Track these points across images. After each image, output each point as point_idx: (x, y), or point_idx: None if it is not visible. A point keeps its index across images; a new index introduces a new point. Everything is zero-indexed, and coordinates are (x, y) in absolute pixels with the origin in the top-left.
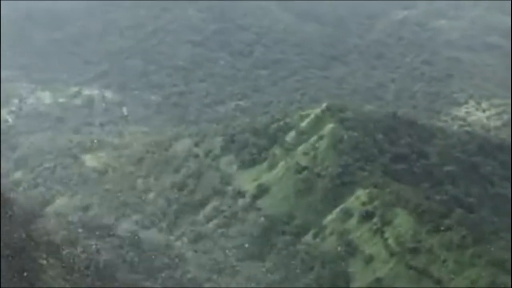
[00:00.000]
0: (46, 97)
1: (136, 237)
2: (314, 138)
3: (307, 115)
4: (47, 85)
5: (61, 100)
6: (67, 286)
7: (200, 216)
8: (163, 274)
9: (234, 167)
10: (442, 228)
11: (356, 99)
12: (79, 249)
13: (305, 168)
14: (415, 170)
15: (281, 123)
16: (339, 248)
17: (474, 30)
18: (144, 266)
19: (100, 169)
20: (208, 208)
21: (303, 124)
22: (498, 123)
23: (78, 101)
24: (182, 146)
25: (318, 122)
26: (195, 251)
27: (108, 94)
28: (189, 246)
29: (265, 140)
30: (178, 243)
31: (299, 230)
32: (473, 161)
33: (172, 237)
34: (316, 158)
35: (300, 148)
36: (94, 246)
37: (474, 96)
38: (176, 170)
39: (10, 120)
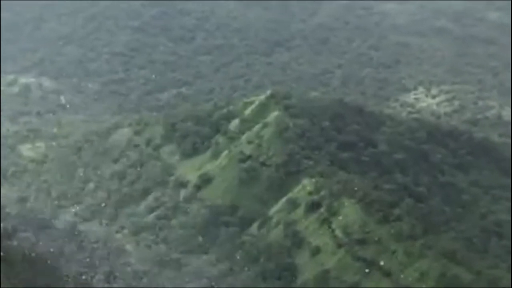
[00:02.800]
0: None
1: (76, 229)
2: (259, 126)
3: (251, 103)
4: None
5: None
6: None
7: (141, 208)
8: (103, 267)
9: (176, 156)
10: (391, 218)
11: (301, 86)
12: (17, 242)
13: (249, 157)
14: (363, 158)
15: (225, 110)
16: (285, 240)
17: (422, 14)
18: (84, 258)
19: (38, 159)
20: (150, 199)
21: (247, 111)
22: (448, 109)
23: (14, 90)
24: (122, 135)
25: (263, 109)
26: (136, 243)
27: (45, 82)
28: (130, 238)
29: (208, 129)
30: (119, 235)
31: (244, 221)
32: (423, 149)
33: (112, 229)
34: (261, 146)
35: (244, 137)
36: (32, 239)
37: (423, 82)
38: (116, 160)
39: None
